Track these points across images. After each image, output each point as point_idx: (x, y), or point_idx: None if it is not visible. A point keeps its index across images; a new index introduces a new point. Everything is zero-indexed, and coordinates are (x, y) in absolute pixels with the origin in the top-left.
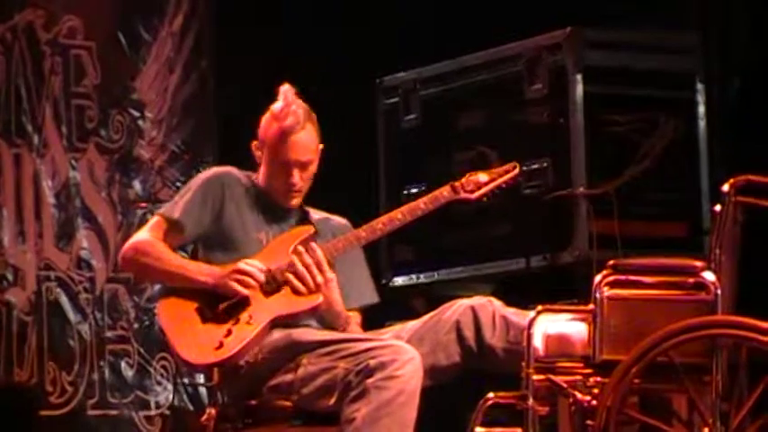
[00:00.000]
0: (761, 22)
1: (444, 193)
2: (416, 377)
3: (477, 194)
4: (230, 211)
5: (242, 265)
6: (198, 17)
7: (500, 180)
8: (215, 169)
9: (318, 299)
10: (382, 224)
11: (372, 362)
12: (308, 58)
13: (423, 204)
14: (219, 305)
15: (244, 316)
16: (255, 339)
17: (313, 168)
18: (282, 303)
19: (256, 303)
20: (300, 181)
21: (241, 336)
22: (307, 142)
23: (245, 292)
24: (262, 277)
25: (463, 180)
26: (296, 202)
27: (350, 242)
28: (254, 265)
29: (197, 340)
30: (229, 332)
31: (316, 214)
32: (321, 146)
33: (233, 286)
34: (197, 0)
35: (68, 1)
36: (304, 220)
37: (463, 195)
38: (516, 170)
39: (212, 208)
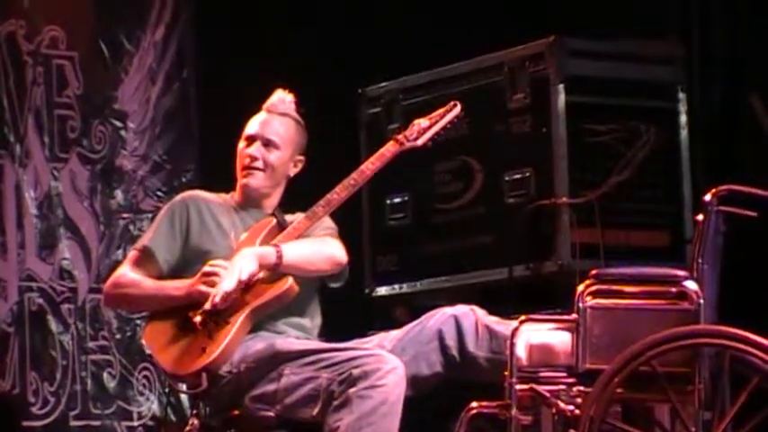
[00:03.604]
0: (742, 32)
1: (390, 147)
2: (399, 387)
3: (422, 140)
4: (196, 227)
5: (207, 267)
6: (180, 27)
7: (442, 122)
8: (180, 194)
9: (288, 282)
10: (337, 194)
11: (355, 371)
12: (290, 67)
13: (371, 164)
14: (196, 313)
15: (221, 317)
16: (236, 336)
17: (279, 157)
18: (255, 295)
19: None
20: (260, 156)
21: (222, 336)
22: (277, 126)
23: (213, 291)
24: None
25: (406, 131)
26: (254, 182)
27: (310, 219)
28: (219, 265)
29: (180, 352)
30: (210, 336)
31: (289, 216)
32: (301, 158)
33: (201, 289)
34: (179, 10)
35: (50, 11)
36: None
37: (408, 145)
38: (457, 108)
39: (180, 230)
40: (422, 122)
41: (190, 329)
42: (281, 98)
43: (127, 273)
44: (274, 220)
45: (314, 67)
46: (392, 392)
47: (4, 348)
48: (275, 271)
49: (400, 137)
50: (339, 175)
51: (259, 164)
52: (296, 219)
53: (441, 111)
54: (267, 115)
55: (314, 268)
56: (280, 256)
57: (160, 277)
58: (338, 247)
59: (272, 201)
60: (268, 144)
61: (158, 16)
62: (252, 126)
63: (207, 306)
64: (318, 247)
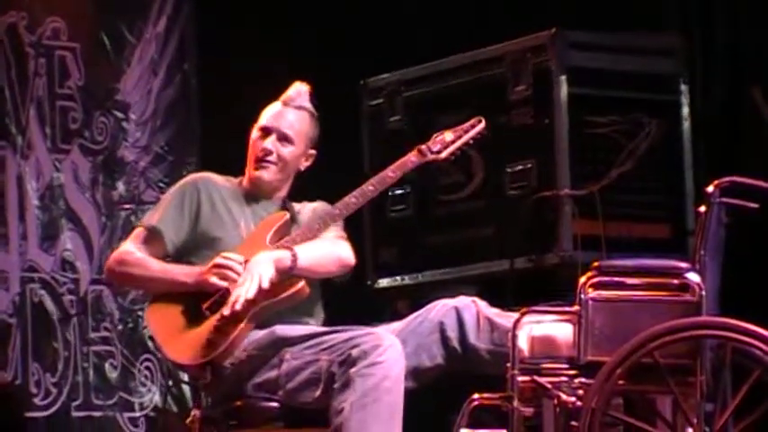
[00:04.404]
0: (743, 23)
1: (412, 158)
2: (399, 362)
3: (445, 154)
4: (206, 212)
5: (220, 259)
6: (181, 19)
7: (466, 137)
8: (191, 175)
9: (300, 284)
10: (355, 198)
11: (354, 351)
12: (292, 59)
13: (391, 173)
14: (203, 303)
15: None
16: (243, 332)
17: (292, 152)
18: (264, 292)
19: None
20: (275, 150)
21: (228, 330)
22: (293, 120)
23: (224, 285)
24: (240, 269)
25: (429, 142)
26: (266, 175)
27: (325, 221)
28: (232, 258)
29: (186, 341)
30: (216, 329)
31: (296, 205)
32: (313, 152)
33: (213, 281)
34: (180, 2)
35: (52, 2)
36: (283, 209)
37: (431, 157)
38: (482, 124)
39: (190, 212)
40: (446, 136)
41: (197, 319)
42: (299, 91)
43: (133, 251)
44: (287, 215)
45: (315, 58)
46: (392, 368)
47: (6, 339)
48: (288, 274)
49: (423, 147)
50: (340, 167)
51: (273, 158)
52: (303, 208)
53: (466, 125)
54: (283, 108)
55: (324, 270)
56: (295, 260)
57: (165, 257)
58: (348, 250)
59: (281, 193)
60: (283, 138)
61: (160, 8)
62: (268, 118)
63: (226, 311)
64: (330, 250)
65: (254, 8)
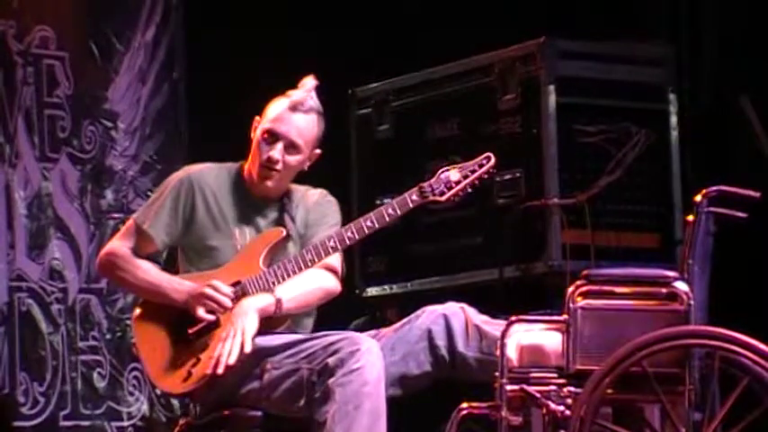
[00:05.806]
0: (731, 33)
1: (413, 196)
2: (377, 365)
3: (447, 196)
4: (201, 215)
5: (209, 290)
6: (170, 27)
7: (473, 177)
8: (188, 170)
9: (287, 322)
10: (351, 233)
11: (331, 360)
12: (280, 67)
13: (391, 210)
14: (189, 328)
15: (214, 339)
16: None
17: (299, 160)
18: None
19: (225, 326)
20: (281, 159)
21: (208, 366)
22: (302, 126)
23: (210, 318)
24: (228, 304)
25: (432, 180)
26: (270, 184)
27: (319, 254)
28: (221, 291)
29: (168, 366)
30: (198, 360)
31: (294, 200)
32: (318, 151)
33: (199, 312)
34: (169, 10)
35: (40, 11)
36: (282, 214)
37: (432, 198)
38: (491, 162)
39: (183, 214)
40: (452, 175)
41: (182, 343)
42: (307, 91)
43: (124, 253)
44: (283, 233)
45: (304, 66)
46: (371, 372)
47: None
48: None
49: (425, 186)
50: (329, 176)
51: (279, 166)
52: (302, 199)
53: (473, 163)
54: (292, 113)
55: (308, 305)
56: (279, 307)
57: (156, 252)
58: (333, 281)
59: (281, 191)
60: (290, 146)
61: (148, 16)
62: (275, 122)
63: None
64: (315, 286)
65: (243, 16)
